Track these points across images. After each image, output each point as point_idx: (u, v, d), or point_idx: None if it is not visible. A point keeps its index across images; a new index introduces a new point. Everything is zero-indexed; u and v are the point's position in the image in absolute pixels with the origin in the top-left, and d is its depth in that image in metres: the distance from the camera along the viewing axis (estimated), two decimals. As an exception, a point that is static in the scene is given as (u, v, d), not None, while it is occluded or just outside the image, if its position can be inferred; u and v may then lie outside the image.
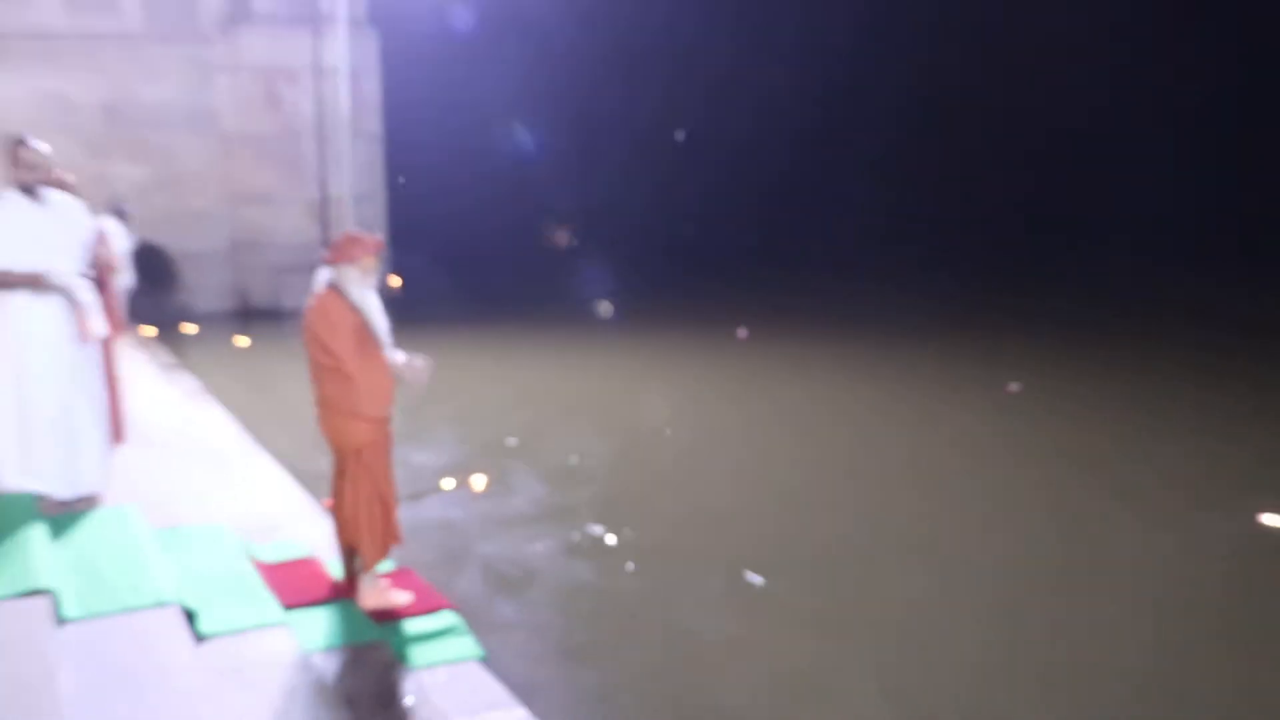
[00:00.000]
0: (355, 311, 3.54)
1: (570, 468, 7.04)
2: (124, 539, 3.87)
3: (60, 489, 4.20)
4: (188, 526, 4.24)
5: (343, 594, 3.76)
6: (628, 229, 20.54)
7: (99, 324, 4.17)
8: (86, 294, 4.21)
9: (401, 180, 17.47)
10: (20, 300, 4.08)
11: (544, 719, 3.25)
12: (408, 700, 3.14)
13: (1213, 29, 24.70)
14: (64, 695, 2.77)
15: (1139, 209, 22.58)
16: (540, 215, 21.64)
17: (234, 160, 13.83)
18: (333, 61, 13.36)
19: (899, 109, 25.21)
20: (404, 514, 5.78)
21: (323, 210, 14.01)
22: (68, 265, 4.15)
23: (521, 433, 7.87)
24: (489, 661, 3.52)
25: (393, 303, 3.93)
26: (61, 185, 4.97)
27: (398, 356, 3.65)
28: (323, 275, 3.60)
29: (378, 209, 14.69)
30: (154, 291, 13.87)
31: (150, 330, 10.79)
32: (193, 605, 3.41)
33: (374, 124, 14.48)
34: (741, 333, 11.09)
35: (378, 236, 3.66)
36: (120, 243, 8.19)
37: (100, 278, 4.99)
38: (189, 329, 12.04)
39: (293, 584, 3.79)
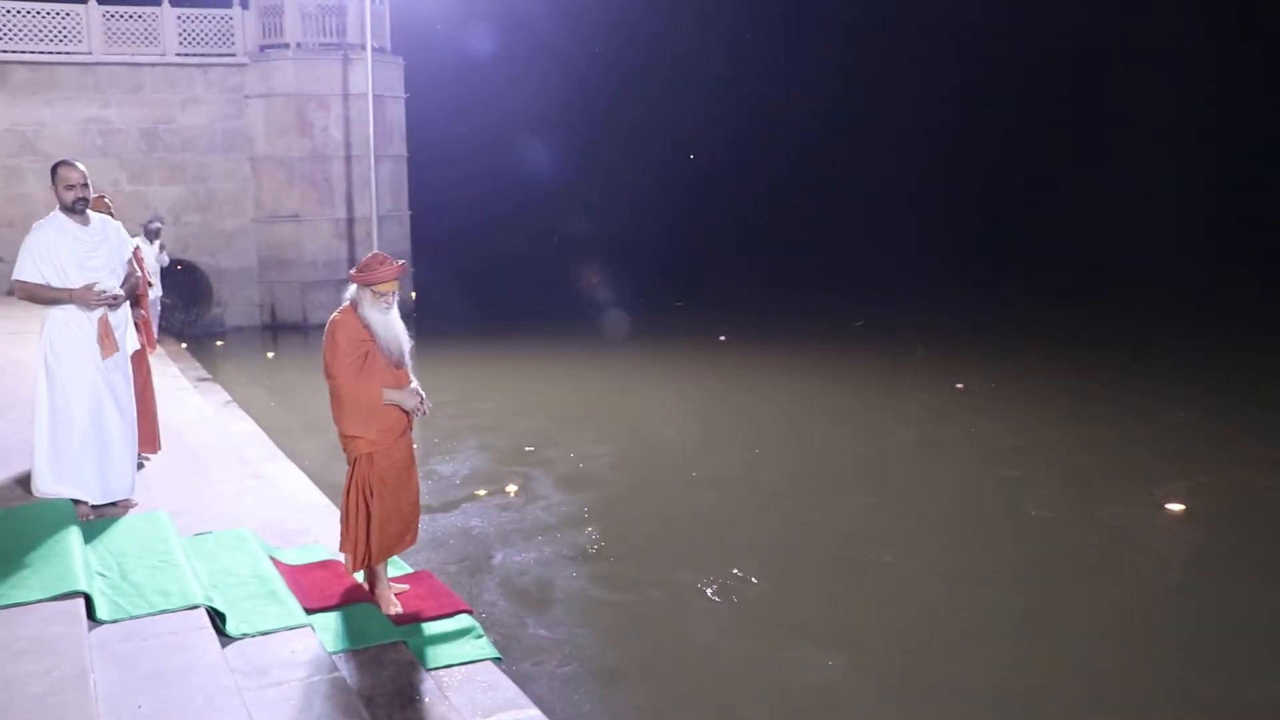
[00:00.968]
0: (365, 331, 3.62)
1: (581, 473, 7.24)
2: (155, 544, 3.99)
3: (92, 495, 4.34)
4: (216, 532, 4.35)
5: (363, 596, 3.85)
6: (631, 241, 20.89)
7: (115, 345, 4.30)
8: (118, 313, 4.36)
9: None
10: (56, 314, 4.25)
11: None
12: (425, 700, 3.20)
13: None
14: (97, 695, 2.86)
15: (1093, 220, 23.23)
16: (555, 231, 21.98)
17: (265, 182, 14.20)
18: (360, 87, 13.71)
19: (895, 119, 25.61)
20: (437, 523, 5.95)
21: (350, 229, 14.31)
22: (108, 282, 4.31)
23: (536, 439, 8.09)
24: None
25: (413, 315, 4.04)
26: (100, 206, 5.15)
27: (399, 392, 3.66)
28: (347, 293, 3.73)
29: (403, 228, 14.98)
30: (188, 307, 14.25)
31: (181, 344, 11.07)
32: (221, 608, 3.50)
33: (399, 146, 14.81)
34: (722, 337, 12.38)
35: (401, 262, 3.73)
36: (149, 260, 8.44)
37: (137, 294, 5.18)
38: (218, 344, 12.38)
39: (315, 587, 3.89)
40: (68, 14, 13.22)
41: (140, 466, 5.21)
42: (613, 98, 24.25)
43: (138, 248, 5.12)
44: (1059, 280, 17.65)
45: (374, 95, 13.56)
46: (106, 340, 4.26)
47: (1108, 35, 26.14)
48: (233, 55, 13.98)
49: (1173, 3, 25.03)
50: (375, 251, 3.85)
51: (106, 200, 5.38)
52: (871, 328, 13.30)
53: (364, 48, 13.49)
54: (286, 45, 13.96)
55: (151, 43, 13.61)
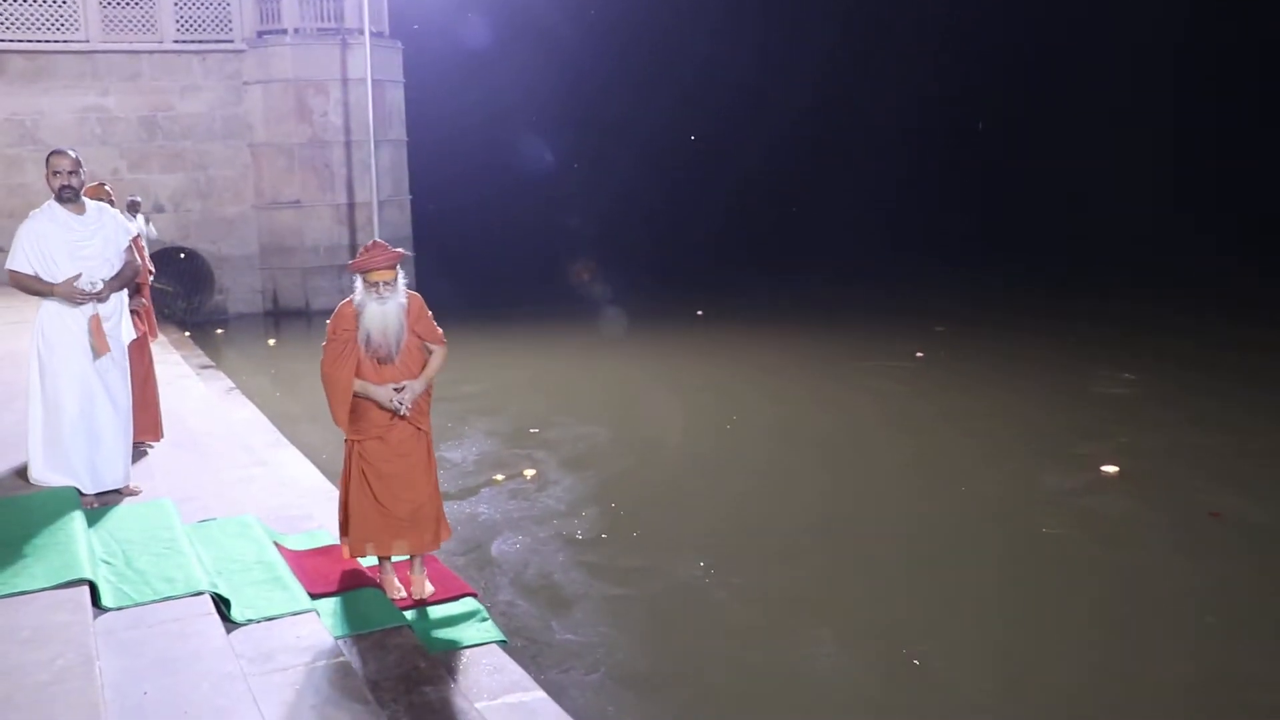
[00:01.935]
0: (354, 320, 3.62)
1: (582, 455, 7.30)
2: (160, 531, 3.99)
3: (83, 485, 4.34)
4: (220, 519, 4.36)
5: (367, 581, 3.84)
6: (628, 227, 21.02)
7: (107, 345, 4.26)
8: (109, 304, 4.32)
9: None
10: (48, 304, 4.23)
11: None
12: (430, 683, 3.20)
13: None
14: (103, 682, 2.87)
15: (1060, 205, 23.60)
16: (552, 216, 22.06)
17: (266, 168, 14.14)
18: (359, 72, 13.62)
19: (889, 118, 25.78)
20: (452, 510, 5.96)
21: (351, 215, 14.27)
22: (101, 272, 4.28)
23: (540, 422, 8.15)
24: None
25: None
26: (100, 194, 5.11)
27: (373, 386, 3.61)
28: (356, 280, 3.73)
29: (404, 213, 14.94)
30: (190, 295, 14.26)
31: (185, 332, 11.09)
32: (225, 594, 3.51)
33: (399, 132, 14.73)
34: (699, 313, 13.08)
35: (398, 250, 3.65)
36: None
37: (138, 283, 5.15)
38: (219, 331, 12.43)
39: (319, 572, 3.89)
40: (64, 2, 13.13)
41: (143, 454, 5.21)
42: (605, 78, 24.21)
43: (138, 235, 5.09)
44: (1044, 262, 18.14)
45: (373, 80, 13.48)
46: (99, 339, 4.23)
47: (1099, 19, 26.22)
48: (231, 41, 13.89)
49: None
50: (374, 239, 3.81)
51: (106, 188, 5.34)
52: (848, 306, 13.83)
53: (362, 32, 13.39)
54: (285, 31, 13.86)
55: (149, 30, 13.52)
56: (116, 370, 4.40)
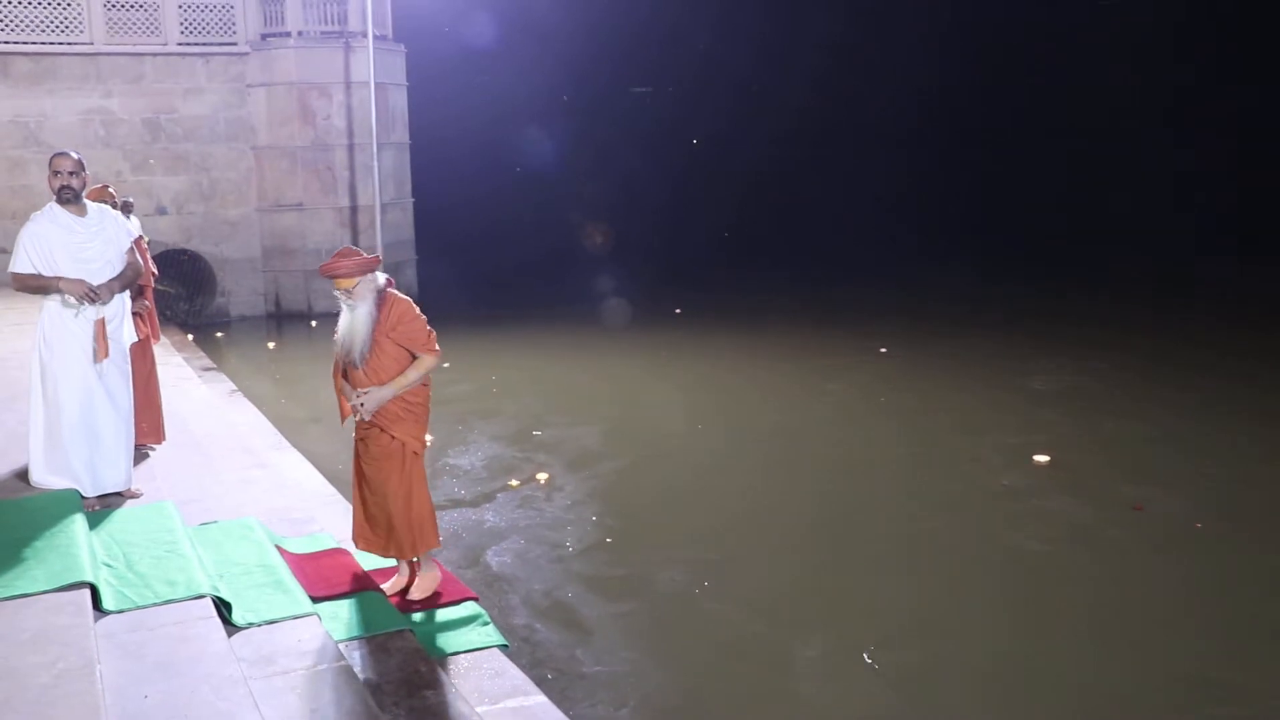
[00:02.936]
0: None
1: (585, 458, 7.32)
2: (161, 534, 3.99)
3: (83, 487, 4.34)
4: (222, 521, 4.35)
5: (369, 585, 3.84)
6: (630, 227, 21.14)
7: (108, 351, 4.26)
8: (111, 306, 4.31)
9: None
10: (51, 306, 4.23)
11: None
12: (432, 687, 3.19)
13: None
14: (103, 685, 2.86)
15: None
16: (554, 214, 22.15)
17: (268, 171, 14.16)
18: (362, 75, 13.63)
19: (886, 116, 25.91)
20: (466, 518, 5.94)
21: (353, 218, 14.28)
22: (103, 274, 4.28)
23: (541, 423, 8.19)
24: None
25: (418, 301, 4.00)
26: (104, 196, 5.10)
27: (346, 386, 3.71)
28: None
29: (406, 216, 14.95)
30: (192, 297, 14.27)
31: (188, 335, 11.09)
32: (227, 597, 3.50)
33: (402, 134, 14.75)
34: (678, 311, 13.47)
35: (358, 259, 3.61)
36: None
37: (140, 285, 5.15)
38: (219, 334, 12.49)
39: (321, 575, 3.89)
40: (68, 4, 13.16)
41: (145, 457, 5.21)
42: (609, 78, 24.29)
43: (140, 238, 5.09)
44: (1039, 261, 18.49)
45: (376, 83, 13.49)
46: (101, 344, 4.23)
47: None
48: (234, 44, 13.91)
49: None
50: (346, 246, 3.87)
51: (111, 190, 5.33)
52: (832, 306, 14.10)
53: (366, 36, 13.41)
54: (288, 34, 13.89)
55: (153, 32, 13.55)
56: (117, 373, 4.39)
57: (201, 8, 13.76)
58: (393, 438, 3.70)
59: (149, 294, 5.51)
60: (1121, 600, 5.01)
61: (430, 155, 16.81)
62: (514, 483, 6.68)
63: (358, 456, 3.84)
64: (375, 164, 13.67)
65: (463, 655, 3.45)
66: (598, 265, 17.13)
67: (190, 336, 11.08)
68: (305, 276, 14.08)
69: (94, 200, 4.51)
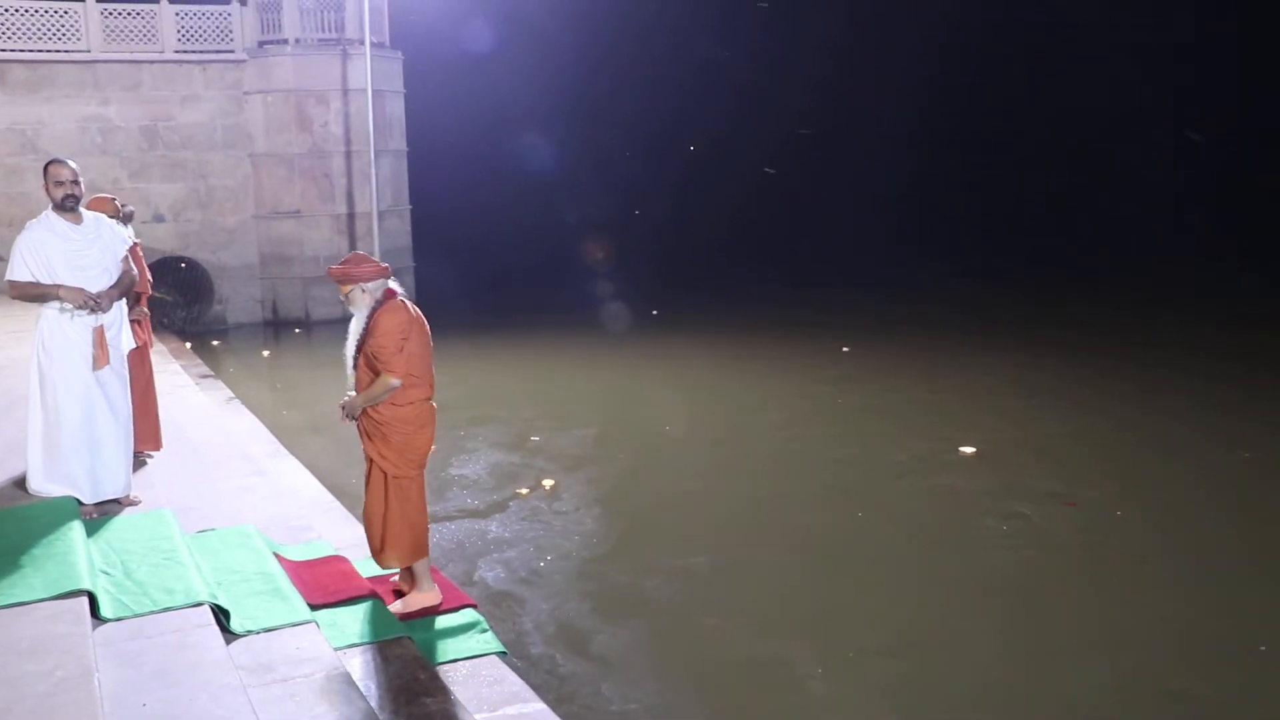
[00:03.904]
0: None
1: (585, 462, 7.40)
2: (159, 541, 3.98)
3: (83, 494, 4.33)
4: (220, 529, 4.34)
5: (366, 592, 3.83)
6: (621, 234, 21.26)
7: (108, 357, 4.27)
8: (110, 313, 4.31)
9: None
10: (50, 314, 4.23)
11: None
12: (430, 695, 3.19)
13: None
14: (101, 693, 2.85)
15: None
16: (552, 221, 22.25)
17: (266, 178, 14.17)
18: (360, 83, 13.66)
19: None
20: (477, 529, 5.90)
21: (351, 225, 14.29)
22: (101, 281, 4.28)
23: (536, 429, 8.27)
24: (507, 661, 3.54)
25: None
26: (108, 207, 5.09)
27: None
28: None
29: (403, 223, 14.96)
30: (190, 304, 14.26)
31: (186, 344, 11.08)
32: (225, 605, 3.49)
33: (399, 141, 14.77)
34: (654, 313, 13.90)
35: (342, 266, 3.68)
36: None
37: (137, 292, 5.15)
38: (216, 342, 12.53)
39: (319, 583, 3.88)
40: (66, 12, 13.18)
41: (142, 464, 5.20)
42: (608, 85, 24.38)
43: (135, 244, 5.09)
44: (1024, 265, 18.85)
45: (373, 90, 13.52)
46: (100, 350, 4.23)
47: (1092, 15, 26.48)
48: (231, 52, 13.94)
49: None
50: (354, 252, 3.91)
51: (117, 203, 5.31)
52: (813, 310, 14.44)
53: (363, 43, 13.44)
54: (285, 41, 13.92)
55: (150, 40, 13.57)
56: (117, 380, 4.39)
57: (199, 15, 13.79)
58: (372, 460, 3.76)
59: (145, 301, 5.51)
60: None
61: (429, 161, 16.88)
62: (523, 491, 6.70)
63: None
64: (373, 171, 13.69)
65: (461, 662, 3.45)
66: (594, 272, 17.30)
67: (188, 344, 11.07)
68: (303, 284, 14.08)
69: (102, 212, 4.52)
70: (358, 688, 3.12)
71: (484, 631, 3.64)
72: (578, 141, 23.54)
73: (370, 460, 3.77)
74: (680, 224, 22.67)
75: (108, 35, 13.35)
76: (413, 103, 15.21)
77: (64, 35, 13.17)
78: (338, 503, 5.06)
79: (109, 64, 13.33)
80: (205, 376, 8.62)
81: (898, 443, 7.80)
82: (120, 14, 13.44)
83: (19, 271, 4.16)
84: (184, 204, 13.93)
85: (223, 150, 14.00)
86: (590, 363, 11.34)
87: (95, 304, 4.19)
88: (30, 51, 13.01)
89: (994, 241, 21.40)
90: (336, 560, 4.12)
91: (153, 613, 3.38)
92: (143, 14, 13.52)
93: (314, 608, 3.61)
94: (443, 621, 3.69)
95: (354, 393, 3.73)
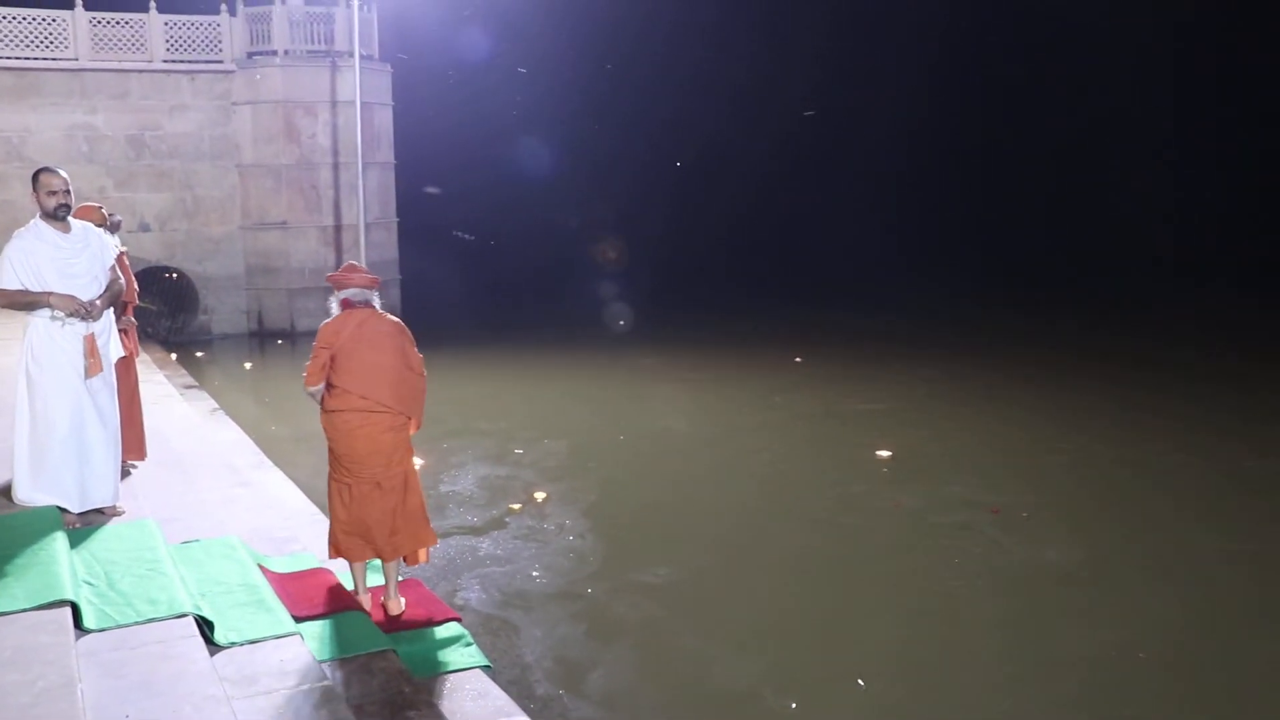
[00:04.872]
0: None
1: (566, 470, 7.53)
2: (143, 552, 3.97)
3: (71, 503, 4.32)
4: (204, 540, 4.34)
5: (352, 604, 3.84)
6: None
7: (100, 365, 4.27)
8: (100, 322, 4.32)
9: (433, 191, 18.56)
10: (39, 322, 4.23)
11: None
12: (414, 708, 3.20)
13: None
14: (84, 704, 2.84)
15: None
16: (544, 229, 22.34)
17: (253, 189, 14.16)
18: (348, 95, 13.71)
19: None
20: (470, 546, 5.91)
21: (337, 237, 14.30)
22: (90, 290, 4.29)
23: (525, 443, 8.29)
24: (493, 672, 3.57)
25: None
26: (97, 217, 5.09)
27: None
28: (377, 303, 3.98)
29: (390, 235, 14.98)
30: (174, 314, 14.18)
31: (171, 355, 11.03)
32: (209, 616, 3.49)
33: (387, 154, 14.81)
34: (621, 323, 14.25)
35: (330, 274, 3.97)
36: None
37: (123, 300, 5.15)
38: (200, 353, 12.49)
39: (303, 594, 3.88)
40: (54, 20, 13.16)
41: (127, 474, 5.18)
42: (601, 96, 24.56)
43: (123, 253, 5.09)
44: (1015, 278, 19.50)
45: (362, 103, 13.56)
46: (93, 359, 4.23)
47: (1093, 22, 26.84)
48: (220, 62, 13.95)
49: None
50: (350, 263, 4.07)
51: (105, 212, 5.32)
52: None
53: (352, 55, 13.50)
54: (274, 52, 13.95)
55: (138, 49, 13.56)
56: (106, 389, 4.39)
57: (188, 25, 13.80)
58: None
59: (131, 310, 5.50)
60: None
61: (429, 169, 16.96)
62: (515, 506, 6.72)
63: None
64: (360, 183, 13.71)
65: (446, 676, 3.46)
66: (588, 281, 17.41)
67: (173, 355, 11.01)
68: (288, 295, 14.04)
69: (89, 220, 4.53)
70: (342, 700, 3.13)
71: (468, 645, 3.66)
72: (575, 146, 23.68)
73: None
74: (677, 233, 22.77)
75: (96, 44, 13.33)
76: (409, 113, 15.27)
77: (52, 43, 13.14)
78: (321, 515, 5.05)
79: (97, 72, 13.30)
80: (190, 387, 8.58)
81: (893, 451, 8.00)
82: (109, 22, 13.43)
83: (8, 279, 4.15)
84: (170, 214, 13.88)
85: (210, 160, 13.98)
86: (547, 375, 11.59)
87: (87, 311, 4.19)
88: (17, 59, 12.97)
89: (991, 258, 21.50)
90: (321, 572, 4.12)
91: (136, 623, 3.37)
92: (131, 23, 13.52)
93: (298, 620, 3.61)
94: (427, 635, 3.71)
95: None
